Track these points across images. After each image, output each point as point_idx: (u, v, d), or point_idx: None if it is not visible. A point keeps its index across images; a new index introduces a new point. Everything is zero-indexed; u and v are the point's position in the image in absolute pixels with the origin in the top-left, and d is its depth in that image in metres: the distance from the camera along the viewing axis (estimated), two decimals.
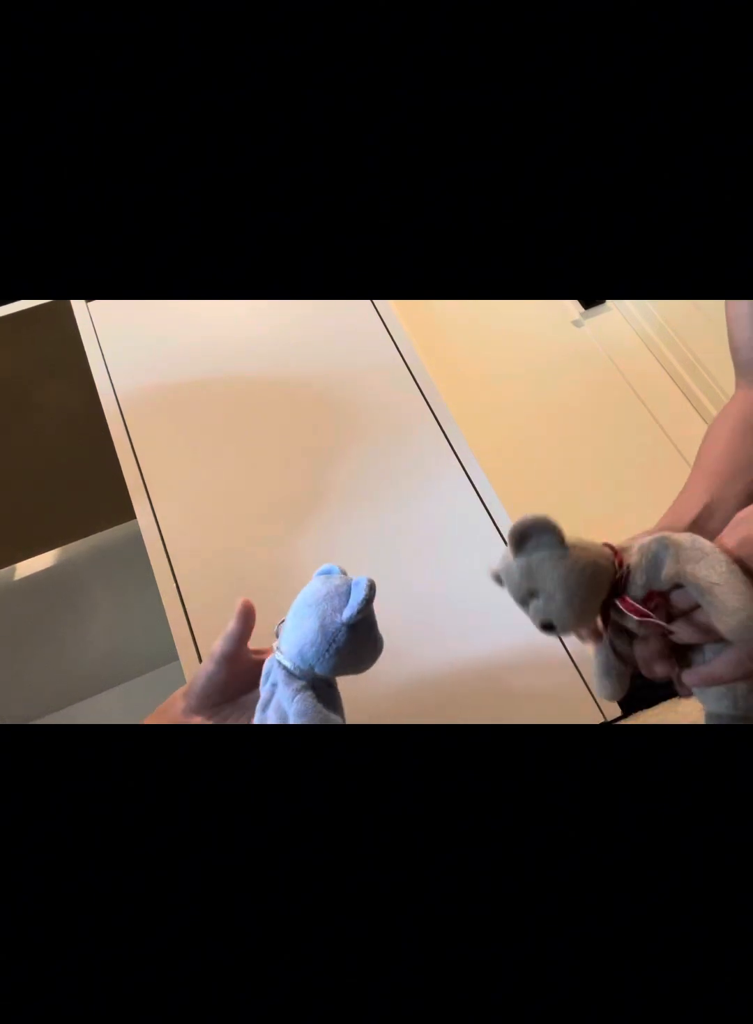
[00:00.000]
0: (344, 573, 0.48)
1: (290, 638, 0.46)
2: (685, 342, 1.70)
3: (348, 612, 0.43)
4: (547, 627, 0.41)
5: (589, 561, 0.40)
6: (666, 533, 0.41)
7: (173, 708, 0.53)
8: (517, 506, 1.04)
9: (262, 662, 0.50)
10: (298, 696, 0.44)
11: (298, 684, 0.45)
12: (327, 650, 0.44)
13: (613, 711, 0.88)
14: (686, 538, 0.40)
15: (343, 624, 0.43)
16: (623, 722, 0.88)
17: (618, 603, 0.41)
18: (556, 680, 0.89)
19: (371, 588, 0.44)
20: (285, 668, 0.46)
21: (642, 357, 1.75)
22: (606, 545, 0.42)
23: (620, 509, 1.54)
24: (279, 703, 0.46)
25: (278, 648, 0.47)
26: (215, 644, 0.52)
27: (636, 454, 1.62)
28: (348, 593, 0.44)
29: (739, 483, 0.53)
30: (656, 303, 1.76)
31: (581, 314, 1.79)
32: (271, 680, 0.47)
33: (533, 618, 0.42)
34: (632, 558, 0.41)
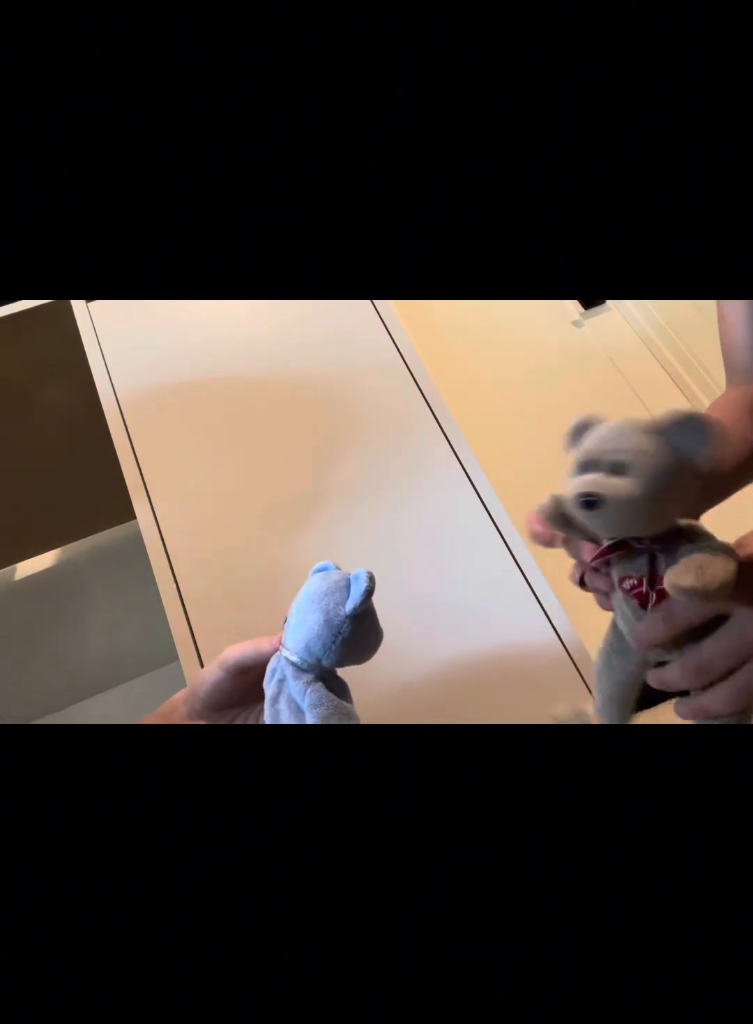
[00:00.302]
0: (339, 568, 0.50)
1: (295, 634, 0.46)
2: (685, 343, 1.70)
3: (351, 603, 0.45)
4: (593, 503, 0.36)
5: (706, 491, 0.36)
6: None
7: (174, 714, 0.52)
8: (517, 506, 1.04)
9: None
10: (310, 688, 0.45)
11: (307, 677, 0.46)
12: (333, 642, 0.45)
13: None
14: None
15: (347, 616, 0.45)
16: None
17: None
18: (556, 680, 0.89)
19: (371, 579, 0.45)
20: (292, 663, 0.47)
21: (642, 357, 1.75)
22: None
23: None
24: (291, 697, 0.47)
25: (283, 645, 0.48)
26: (231, 652, 0.50)
27: None
28: (348, 586, 0.46)
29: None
30: (656, 303, 1.76)
31: (581, 314, 1.80)
32: (277, 677, 0.48)
33: (588, 485, 0.36)
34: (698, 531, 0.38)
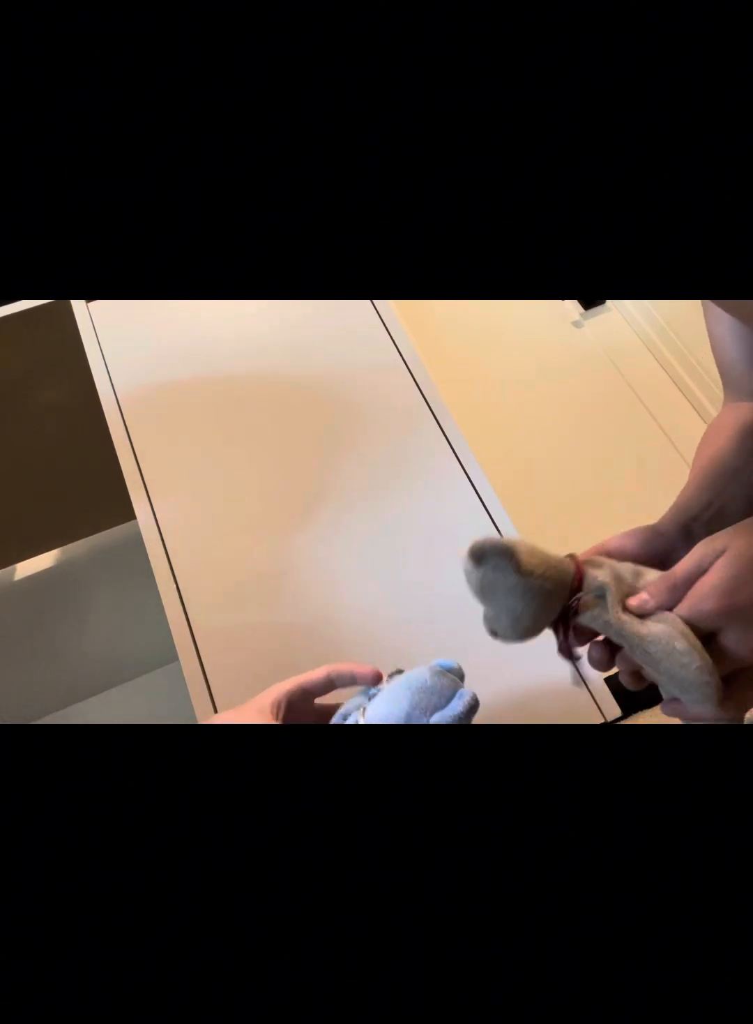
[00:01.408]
0: (462, 675, 0.49)
1: (379, 709, 0.46)
2: (685, 343, 1.70)
3: (437, 717, 0.44)
4: (493, 634, 0.45)
5: (539, 589, 0.41)
6: (608, 582, 0.42)
7: (271, 708, 0.50)
8: (516, 506, 1.04)
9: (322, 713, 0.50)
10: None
11: None
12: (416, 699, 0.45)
13: (613, 711, 0.88)
14: (642, 580, 0.42)
15: (427, 722, 0.44)
16: (623, 722, 0.88)
17: (560, 628, 0.43)
18: (556, 680, 0.89)
19: (471, 708, 0.44)
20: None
21: (642, 358, 1.75)
22: (570, 558, 0.44)
23: (619, 509, 1.54)
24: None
25: (367, 705, 0.47)
26: (344, 668, 0.50)
27: (635, 454, 1.62)
28: (450, 698, 0.45)
29: (737, 482, 0.53)
30: (656, 304, 1.76)
31: (581, 314, 1.80)
32: (349, 719, 0.47)
33: (484, 622, 0.45)
34: (593, 581, 0.42)
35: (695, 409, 1.67)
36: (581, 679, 0.47)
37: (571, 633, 0.43)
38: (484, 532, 0.96)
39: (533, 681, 0.90)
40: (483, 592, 0.43)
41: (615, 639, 0.42)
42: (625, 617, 0.41)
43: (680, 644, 0.38)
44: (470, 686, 0.91)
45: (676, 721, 0.42)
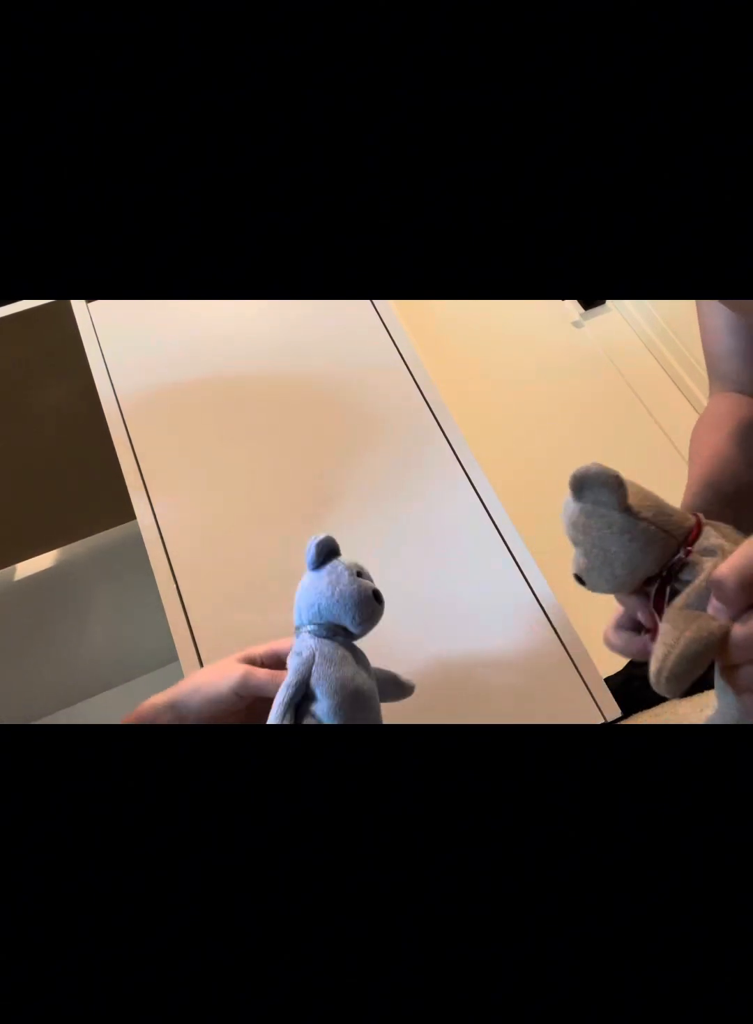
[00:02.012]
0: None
1: (297, 615, 0.50)
2: (685, 343, 1.70)
3: (307, 558, 0.49)
4: (579, 581, 0.40)
5: (645, 532, 0.37)
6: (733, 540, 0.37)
7: (156, 720, 0.51)
8: (517, 506, 1.04)
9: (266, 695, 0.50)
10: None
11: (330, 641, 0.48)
12: (302, 595, 0.49)
13: (613, 711, 0.88)
14: None
15: (310, 572, 0.49)
16: (623, 722, 0.88)
17: (655, 590, 0.38)
18: (556, 680, 0.89)
19: (319, 539, 0.49)
20: (308, 633, 0.49)
21: (642, 358, 1.75)
22: (695, 517, 0.38)
23: None
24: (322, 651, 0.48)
25: (299, 630, 0.50)
26: (255, 679, 0.50)
27: (636, 454, 1.62)
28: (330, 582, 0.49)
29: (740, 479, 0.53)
30: (656, 304, 1.76)
31: (581, 315, 1.80)
32: (300, 656, 0.48)
33: (572, 563, 0.40)
34: (710, 541, 0.37)
35: (695, 409, 1.67)
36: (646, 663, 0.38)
37: (664, 595, 0.37)
38: (484, 531, 0.96)
39: (533, 681, 0.90)
40: (578, 528, 0.38)
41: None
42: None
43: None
44: (470, 686, 0.91)
45: (675, 721, 0.42)
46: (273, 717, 0.45)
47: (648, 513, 0.37)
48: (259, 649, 0.54)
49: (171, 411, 1.05)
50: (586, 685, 0.89)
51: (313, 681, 0.46)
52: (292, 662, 0.47)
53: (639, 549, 0.37)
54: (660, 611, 0.38)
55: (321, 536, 0.49)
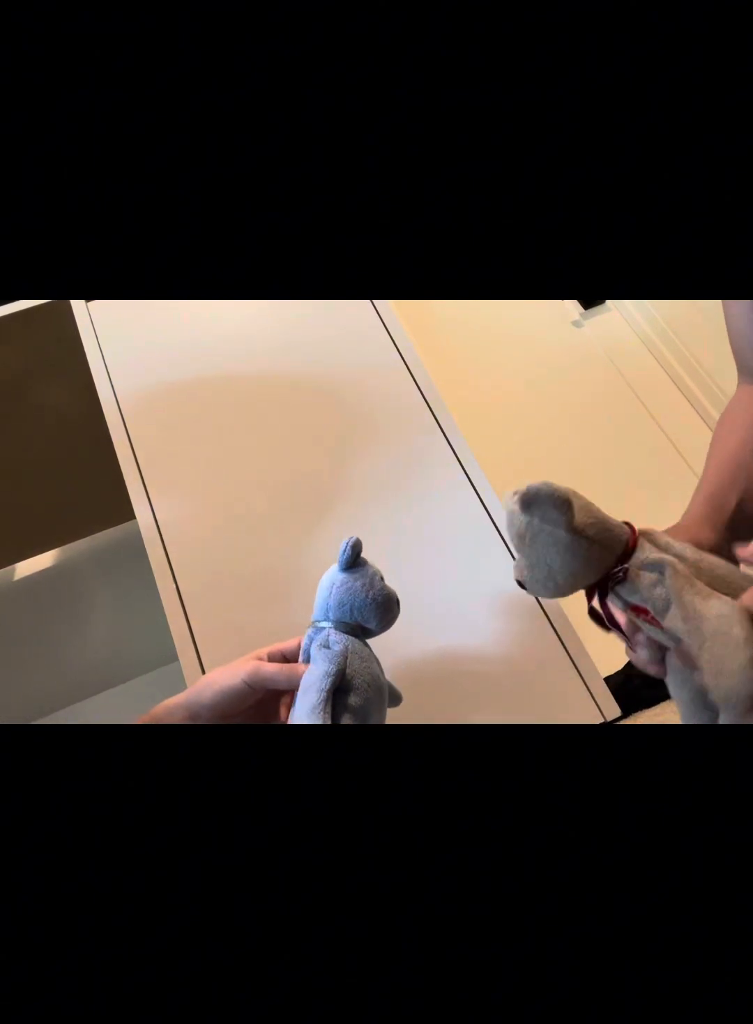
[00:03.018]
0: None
1: (322, 611, 0.51)
2: (685, 343, 1.70)
3: (341, 557, 0.50)
4: (520, 585, 0.43)
5: (586, 548, 0.39)
6: (673, 559, 0.39)
7: (171, 718, 0.52)
8: None
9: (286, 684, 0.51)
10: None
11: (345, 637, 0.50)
12: (328, 594, 0.50)
13: (613, 711, 0.88)
14: (702, 565, 0.39)
15: (340, 572, 0.50)
16: (623, 722, 0.88)
17: (597, 593, 0.41)
18: (556, 680, 0.89)
19: (351, 541, 0.49)
20: (331, 629, 0.50)
21: (642, 358, 1.75)
22: (626, 526, 0.41)
23: (619, 509, 1.53)
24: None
25: (319, 625, 0.51)
26: (264, 670, 0.50)
27: (635, 454, 1.62)
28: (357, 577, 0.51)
29: None
30: (656, 303, 1.76)
31: (581, 314, 1.79)
32: (330, 648, 0.49)
33: (514, 569, 0.43)
34: (645, 554, 0.40)
35: (695, 409, 1.67)
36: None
37: (608, 601, 0.41)
38: (484, 531, 0.96)
39: (533, 681, 0.90)
40: (523, 539, 0.41)
41: (658, 613, 0.38)
42: (686, 588, 0.37)
43: (738, 630, 0.35)
44: (469, 685, 0.91)
45: (675, 721, 0.42)
46: (312, 702, 0.45)
47: (591, 531, 0.40)
48: (265, 650, 0.54)
49: (171, 411, 1.05)
50: (586, 685, 0.89)
51: (349, 673, 0.47)
52: (322, 654, 0.48)
53: (581, 564, 0.40)
54: (606, 617, 0.41)
55: (354, 538, 0.50)
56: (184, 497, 0.99)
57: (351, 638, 0.49)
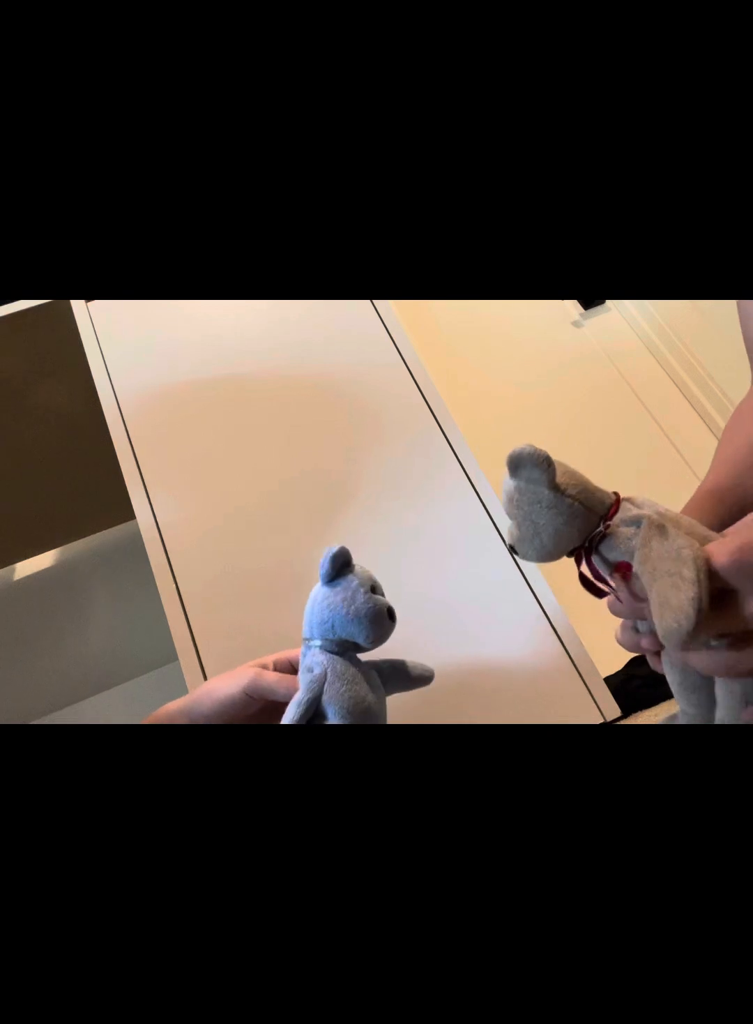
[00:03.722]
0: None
1: (308, 628, 0.49)
2: (685, 343, 1.70)
3: (321, 571, 0.48)
4: (512, 551, 0.45)
5: (568, 507, 0.41)
6: (657, 514, 0.41)
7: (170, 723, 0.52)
8: None
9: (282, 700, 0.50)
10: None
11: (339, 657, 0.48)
12: (312, 611, 0.48)
13: (613, 711, 0.88)
14: (681, 522, 0.40)
15: (322, 586, 0.48)
16: (623, 722, 0.88)
17: (582, 555, 0.43)
18: (556, 680, 0.89)
19: (331, 552, 0.47)
20: (318, 648, 0.48)
21: (642, 358, 1.75)
22: (614, 495, 0.43)
23: None
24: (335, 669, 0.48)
25: (308, 643, 0.49)
26: (264, 679, 0.50)
27: (635, 454, 1.62)
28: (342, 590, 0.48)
29: None
30: (656, 304, 1.77)
31: (581, 315, 1.80)
32: (311, 672, 0.48)
33: (506, 533, 0.45)
34: (630, 513, 0.41)
35: (695, 409, 1.67)
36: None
37: (595, 561, 0.42)
38: (484, 531, 0.97)
39: (533, 681, 0.90)
40: (512, 502, 0.43)
41: (637, 565, 0.39)
42: (655, 534, 0.39)
43: (689, 571, 0.36)
44: (470, 686, 0.91)
45: (665, 718, 0.42)
46: None
47: (573, 490, 0.42)
48: (271, 658, 0.54)
49: (171, 411, 1.05)
50: (586, 685, 0.89)
51: (326, 699, 0.45)
52: (303, 678, 0.47)
53: (564, 522, 0.42)
54: (593, 576, 0.43)
55: (335, 548, 0.47)
56: (184, 497, 0.99)
57: (336, 658, 0.47)
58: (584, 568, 0.43)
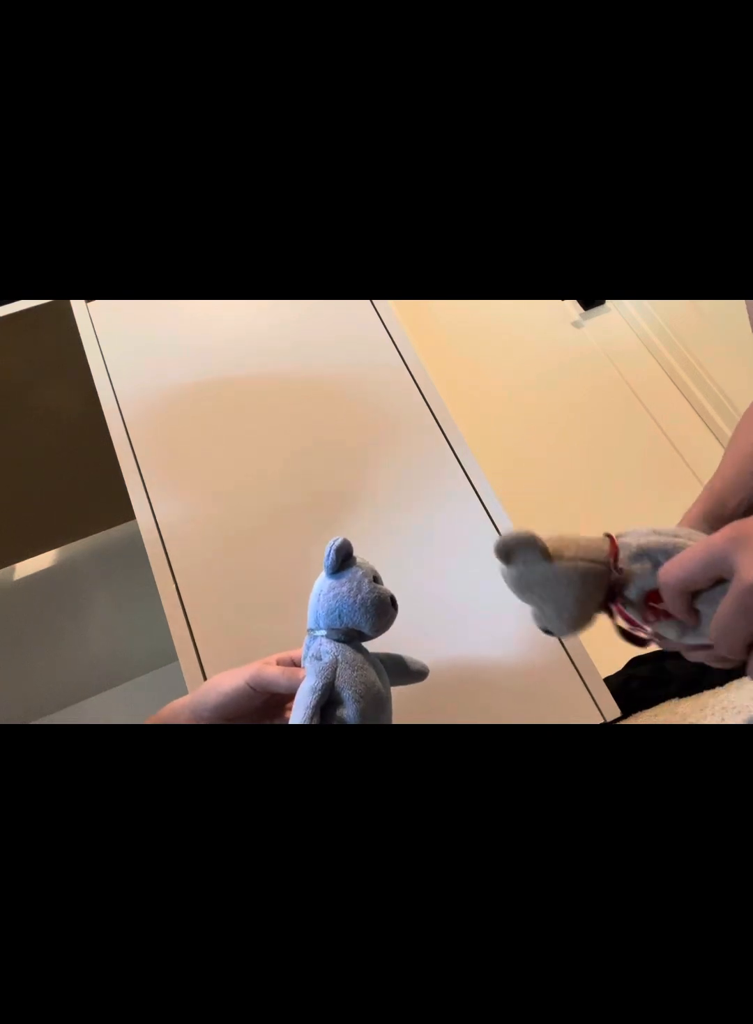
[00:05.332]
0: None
1: (314, 619, 0.50)
2: (684, 343, 1.71)
3: (326, 563, 0.49)
4: (547, 632, 0.44)
5: (575, 571, 0.40)
6: (652, 539, 0.41)
7: (177, 720, 0.52)
8: (517, 507, 1.04)
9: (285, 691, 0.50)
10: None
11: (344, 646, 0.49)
12: (317, 601, 0.49)
13: (613, 711, 0.88)
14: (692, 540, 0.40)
15: (327, 577, 0.49)
16: (623, 722, 0.88)
17: (614, 608, 0.41)
18: (556, 680, 0.89)
19: (335, 544, 0.48)
20: (324, 637, 0.49)
21: (642, 358, 1.75)
22: (607, 537, 0.42)
23: (618, 508, 1.54)
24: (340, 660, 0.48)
25: (313, 633, 0.50)
26: (268, 674, 0.50)
27: (635, 454, 1.62)
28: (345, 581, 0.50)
29: None
30: (656, 304, 1.77)
31: (581, 315, 1.80)
32: (320, 660, 0.48)
33: (534, 620, 0.44)
34: (632, 549, 0.41)
35: (694, 409, 1.67)
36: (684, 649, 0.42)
37: (628, 610, 0.41)
38: (484, 531, 0.97)
39: (533, 681, 0.90)
40: (521, 588, 0.42)
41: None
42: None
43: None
44: (470, 686, 0.91)
45: (675, 721, 0.42)
46: (298, 719, 0.45)
47: (570, 552, 0.41)
48: (273, 657, 0.54)
49: (171, 411, 1.05)
50: (586, 685, 0.89)
51: (339, 684, 0.46)
52: (312, 666, 0.47)
53: (578, 586, 0.40)
54: (631, 624, 0.42)
55: (339, 540, 0.48)
56: (184, 497, 0.99)
57: (343, 646, 0.48)
58: (620, 621, 0.42)
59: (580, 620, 0.42)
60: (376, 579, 0.49)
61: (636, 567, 0.40)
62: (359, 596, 0.47)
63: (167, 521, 0.97)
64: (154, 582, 0.94)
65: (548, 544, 0.40)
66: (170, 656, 0.95)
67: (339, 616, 0.48)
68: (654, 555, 0.40)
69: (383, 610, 0.48)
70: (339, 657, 0.47)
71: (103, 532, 1.84)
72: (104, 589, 1.83)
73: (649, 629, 0.41)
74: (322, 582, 0.50)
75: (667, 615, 0.40)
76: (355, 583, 0.48)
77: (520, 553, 0.41)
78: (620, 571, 0.40)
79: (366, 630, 0.48)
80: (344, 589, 0.48)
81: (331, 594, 0.48)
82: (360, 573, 0.49)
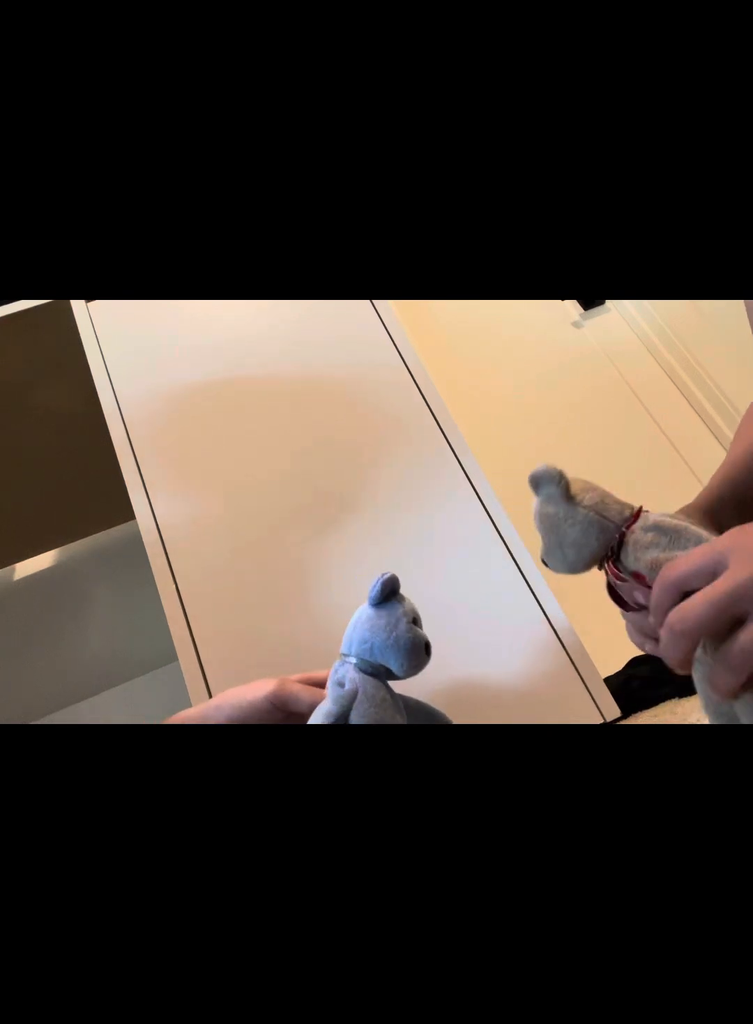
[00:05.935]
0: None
1: (347, 643, 0.50)
2: (684, 343, 1.71)
3: (370, 593, 0.49)
4: (545, 563, 0.47)
5: (585, 517, 0.43)
6: (671, 521, 0.42)
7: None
8: (517, 507, 1.04)
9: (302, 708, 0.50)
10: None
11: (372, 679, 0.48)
12: (354, 629, 0.49)
13: (613, 711, 0.88)
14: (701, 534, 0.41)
15: (369, 607, 0.49)
16: (623, 722, 0.88)
17: (607, 566, 0.44)
18: (556, 680, 0.89)
19: (385, 577, 0.48)
20: (353, 665, 0.49)
21: (642, 358, 1.76)
22: (636, 506, 0.44)
23: None
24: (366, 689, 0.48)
25: (345, 658, 0.49)
26: (293, 693, 0.50)
27: (635, 454, 1.62)
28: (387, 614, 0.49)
29: None
30: (656, 304, 1.77)
31: (581, 315, 1.80)
32: (342, 687, 0.48)
33: (541, 555, 0.47)
34: (649, 521, 0.43)
35: (694, 409, 1.67)
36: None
37: (617, 569, 0.43)
38: (484, 531, 0.97)
39: (533, 681, 0.90)
40: (538, 519, 0.45)
41: (649, 573, 0.41)
42: (671, 541, 0.41)
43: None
44: (470, 686, 0.91)
45: (675, 721, 0.42)
46: None
47: (588, 501, 0.44)
48: (294, 677, 0.53)
49: (171, 411, 1.05)
50: (586, 685, 0.89)
51: (354, 717, 0.46)
52: (333, 691, 0.47)
53: (580, 533, 0.43)
54: (618, 580, 0.44)
55: (387, 575, 0.48)
56: (184, 497, 0.99)
57: (370, 679, 0.48)
58: (610, 577, 0.45)
59: (575, 563, 0.45)
60: (416, 621, 0.49)
61: (643, 536, 0.42)
62: (394, 634, 0.47)
63: (167, 521, 0.97)
64: (154, 582, 0.94)
65: (573, 484, 0.44)
66: (170, 656, 0.95)
67: (371, 649, 0.48)
68: (666, 531, 0.42)
69: (416, 653, 0.48)
70: (361, 689, 0.47)
71: (103, 532, 1.84)
72: (104, 589, 1.83)
73: (637, 595, 0.44)
74: (363, 610, 0.49)
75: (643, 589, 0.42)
76: (394, 620, 0.48)
77: (545, 487, 0.44)
78: (623, 534, 0.43)
79: (395, 670, 0.48)
80: (381, 623, 0.48)
81: (367, 625, 0.48)
82: (400, 611, 0.48)
